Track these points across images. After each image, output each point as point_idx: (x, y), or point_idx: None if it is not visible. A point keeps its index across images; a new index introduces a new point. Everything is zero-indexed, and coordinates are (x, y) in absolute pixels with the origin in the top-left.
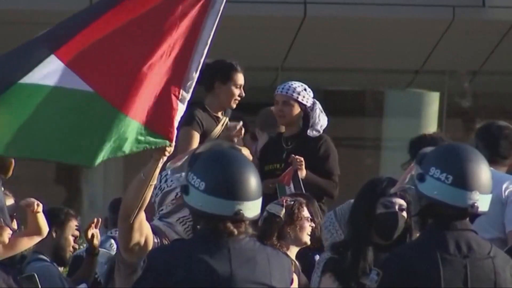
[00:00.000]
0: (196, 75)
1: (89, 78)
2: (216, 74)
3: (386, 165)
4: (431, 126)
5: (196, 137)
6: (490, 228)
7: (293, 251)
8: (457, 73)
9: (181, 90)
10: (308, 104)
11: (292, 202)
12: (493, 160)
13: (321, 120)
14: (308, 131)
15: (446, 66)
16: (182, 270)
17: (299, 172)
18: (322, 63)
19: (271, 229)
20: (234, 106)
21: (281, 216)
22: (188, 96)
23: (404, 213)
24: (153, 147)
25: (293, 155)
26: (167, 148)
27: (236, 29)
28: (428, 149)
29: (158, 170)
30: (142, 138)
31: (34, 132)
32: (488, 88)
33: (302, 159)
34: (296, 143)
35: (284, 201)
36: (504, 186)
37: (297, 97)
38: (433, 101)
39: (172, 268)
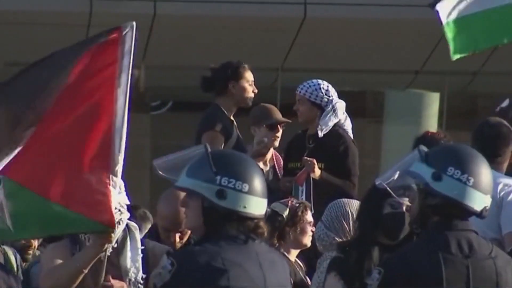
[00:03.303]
0: (121, 157)
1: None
2: (228, 75)
3: (386, 165)
4: (431, 126)
5: (221, 140)
6: (486, 229)
7: (293, 253)
8: (457, 73)
9: (111, 176)
10: (322, 103)
11: (297, 205)
12: (490, 160)
13: (329, 120)
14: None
15: (446, 67)
16: (224, 277)
17: (311, 174)
18: (322, 64)
19: (273, 228)
20: (250, 103)
21: (284, 216)
22: (118, 180)
23: None
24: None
25: (305, 158)
26: (111, 235)
27: (236, 30)
28: (423, 147)
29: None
30: (81, 225)
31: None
32: (488, 88)
33: (314, 161)
34: (316, 142)
35: (289, 202)
36: (500, 187)
37: (309, 97)
38: (433, 101)
39: (212, 272)
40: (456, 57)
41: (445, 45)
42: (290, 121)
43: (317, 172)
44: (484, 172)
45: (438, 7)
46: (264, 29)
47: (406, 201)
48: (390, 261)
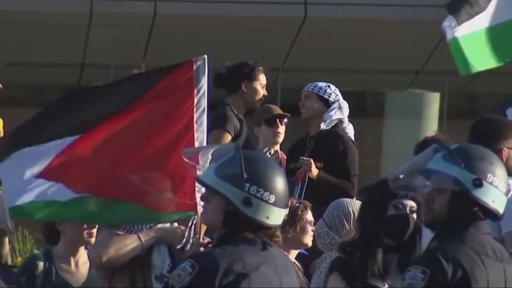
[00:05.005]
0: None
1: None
2: (242, 74)
3: (386, 165)
4: (431, 126)
5: (229, 139)
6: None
7: (292, 254)
8: (457, 73)
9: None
10: (330, 99)
11: (297, 204)
12: None
13: (333, 115)
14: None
15: (446, 67)
16: (246, 281)
17: (309, 174)
18: (322, 64)
19: None
20: (258, 106)
21: (284, 216)
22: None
23: (415, 215)
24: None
25: (302, 157)
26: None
27: (237, 30)
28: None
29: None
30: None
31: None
32: (488, 88)
33: (311, 160)
34: (316, 142)
35: (289, 202)
36: None
37: (318, 91)
38: (433, 101)
39: (234, 276)
40: (464, 74)
41: (445, 45)
42: (288, 115)
43: (314, 171)
44: (505, 176)
45: (447, 22)
46: (264, 29)
47: (410, 202)
48: (434, 261)
